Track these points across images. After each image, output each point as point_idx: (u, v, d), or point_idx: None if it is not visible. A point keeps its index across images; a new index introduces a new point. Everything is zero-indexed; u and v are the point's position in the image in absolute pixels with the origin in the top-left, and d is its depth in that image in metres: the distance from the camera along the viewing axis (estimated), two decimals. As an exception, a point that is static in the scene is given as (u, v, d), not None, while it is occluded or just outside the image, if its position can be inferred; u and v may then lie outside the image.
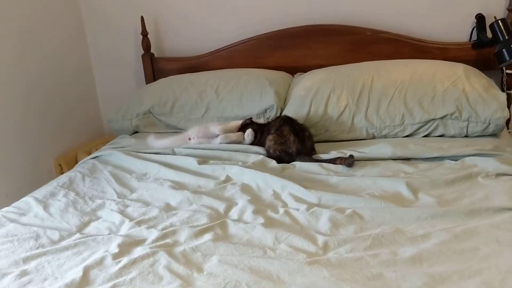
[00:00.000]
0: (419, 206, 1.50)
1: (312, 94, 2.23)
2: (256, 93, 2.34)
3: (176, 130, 2.36)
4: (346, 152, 1.97)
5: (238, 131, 2.16)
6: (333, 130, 2.18)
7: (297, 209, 1.53)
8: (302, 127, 2.06)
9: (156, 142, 2.20)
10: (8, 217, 1.60)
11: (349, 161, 1.85)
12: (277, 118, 2.16)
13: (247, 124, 2.17)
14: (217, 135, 2.14)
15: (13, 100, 2.39)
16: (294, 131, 2.01)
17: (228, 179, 1.82)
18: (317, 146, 2.11)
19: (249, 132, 2.11)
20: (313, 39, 2.55)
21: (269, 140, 2.01)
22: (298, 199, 1.61)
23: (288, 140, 1.98)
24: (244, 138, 2.13)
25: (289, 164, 1.93)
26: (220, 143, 2.12)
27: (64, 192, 1.79)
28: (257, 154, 2.01)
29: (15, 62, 2.41)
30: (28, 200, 1.73)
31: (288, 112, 2.21)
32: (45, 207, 1.67)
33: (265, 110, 2.28)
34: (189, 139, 2.17)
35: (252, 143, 2.11)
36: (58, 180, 1.91)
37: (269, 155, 2.00)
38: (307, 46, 2.56)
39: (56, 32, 2.69)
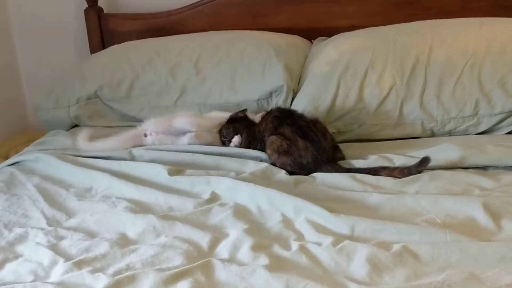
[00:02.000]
0: (503, 240, 1.49)
1: (340, 71, 2.23)
2: (256, 68, 2.34)
3: (135, 123, 2.35)
4: (392, 158, 1.97)
5: (221, 129, 2.13)
6: (371, 125, 2.19)
7: (319, 244, 1.52)
8: (309, 120, 2.03)
9: (90, 143, 2.17)
10: None
11: (418, 169, 1.84)
12: (264, 116, 2.11)
13: (236, 120, 2.14)
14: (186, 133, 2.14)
15: None
16: (300, 131, 1.97)
17: (214, 198, 1.81)
18: (347, 148, 2.11)
19: (236, 140, 2.10)
20: (341, -12, 2.56)
21: (268, 154, 2.00)
22: (320, 229, 1.59)
23: (296, 147, 1.96)
24: (225, 143, 2.11)
25: (305, 176, 1.93)
26: (189, 143, 2.13)
27: (-34, 216, 1.78)
28: (257, 161, 2.01)
29: None
30: None
31: (305, 97, 2.21)
32: None
33: (270, 94, 2.29)
34: (145, 135, 2.17)
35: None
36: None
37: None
38: (332, -1, 2.56)
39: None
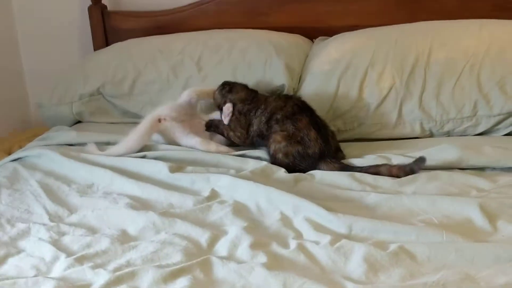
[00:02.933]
0: (499, 241, 1.49)
1: (340, 70, 2.24)
2: (257, 66, 2.34)
3: (138, 119, 2.35)
4: (391, 157, 1.97)
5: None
6: (370, 124, 2.19)
7: (317, 243, 1.52)
8: (323, 120, 2.07)
9: (104, 153, 2.13)
10: None
11: (415, 167, 1.85)
12: (281, 96, 2.14)
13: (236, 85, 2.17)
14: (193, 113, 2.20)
15: None
16: (316, 125, 2.00)
17: (214, 195, 1.81)
18: (346, 147, 2.11)
19: (227, 107, 2.11)
20: (344, -13, 2.56)
21: (276, 140, 2.00)
22: (319, 227, 1.60)
23: (308, 137, 1.97)
24: (218, 106, 2.16)
25: (305, 174, 1.93)
26: (190, 100, 2.19)
27: (-31, 212, 1.78)
28: (257, 160, 2.01)
29: None
30: None
31: (304, 96, 2.20)
32: None
33: (272, 93, 2.28)
34: (159, 120, 2.17)
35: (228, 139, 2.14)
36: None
37: (275, 162, 1.99)
38: (334, -2, 2.56)
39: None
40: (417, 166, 1.87)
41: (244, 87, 2.18)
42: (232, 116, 2.11)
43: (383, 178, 1.86)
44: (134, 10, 2.82)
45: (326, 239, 1.53)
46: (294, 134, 1.99)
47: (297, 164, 1.96)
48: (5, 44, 2.94)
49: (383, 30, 2.41)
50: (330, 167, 1.95)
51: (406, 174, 1.86)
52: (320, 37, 2.56)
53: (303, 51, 2.46)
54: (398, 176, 1.87)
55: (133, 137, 2.13)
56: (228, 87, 2.17)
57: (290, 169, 1.95)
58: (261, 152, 2.07)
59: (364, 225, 1.58)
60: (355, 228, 1.57)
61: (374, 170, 1.90)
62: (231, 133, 2.12)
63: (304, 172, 1.95)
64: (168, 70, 2.43)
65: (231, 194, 1.80)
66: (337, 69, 2.24)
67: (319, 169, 1.97)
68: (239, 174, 1.90)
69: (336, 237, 1.54)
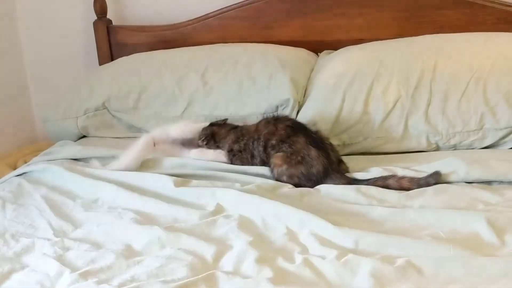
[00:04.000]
0: (507, 255, 1.48)
1: (345, 84, 2.24)
2: (262, 80, 2.34)
3: (142, 133, 2.35)
4: (397, 171, 1.96)
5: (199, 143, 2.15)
6: (376, 138, 2.19)
7: (323, 257, 1.52)
8: (319, 134, 2.05)
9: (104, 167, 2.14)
10: None
11: (431, 180, 1.85)
12: (270, 120, 2.10)
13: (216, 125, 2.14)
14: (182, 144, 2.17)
15: None
16: (313, 142, 1.98)
17: (219, 210, 1.81)
18: (351, 161, 2.10)
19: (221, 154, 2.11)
20: (349, 1, 2.57)
21: (277, 164, 1.99)
22: (325, 242, 1.59)
23: (309, 157, 1.96)
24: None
25: (310, 189, 1.93)
26: (182, 135, 2.17)
27: (-26, 227, 1.79)
28: (262, 178, 2.01)
29: None
30: None
31: (310, 110, 2.21)
32: None
33: (276, 108, 2.29)
34: (154, 144, 2.18)
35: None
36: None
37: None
38: (339, 12, 2.58)
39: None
40: (432, 179, 1.87)
41: (226, 127, 2.15)
42: (233, 157, 2.10)
43: (389, 192, 1.86)
44: (139, 24, 2.84)
45: (332, 253, 1.52)
46: (292, 154, 1.97)
47: (303, 184, 1.96)
48: (10, 58, 2.96)
49: (389, 43, 2.42)
50: (337, 183, 1.94)
51: (420, 187, 1.86)
52: (325, 51, 2.57)
53: (308, 65, 2.47)
54: (410, 189, 1.87)
55: (129, 156, 2.14)
56: (209, 136, 2.13)
57: (296, 187, 1.95)
58: (263, 169, 2.06)
59: (371, 239, 1.57)
60: (362, 243, 1.56)
61: (382, 183, 1.90)
62: None
63: (312, 187, 1.95)
64: (173, 84, 2.43)
65: (237, 208, 1.80)
66: (342, 82, 2.24)
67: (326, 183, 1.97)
68: (244, 188, 1.90)
69: (343, 251, 1.53)
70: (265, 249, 1.58)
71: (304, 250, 1.58)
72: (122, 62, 2.64)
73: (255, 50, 2.52)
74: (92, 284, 1.44)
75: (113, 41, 2.81)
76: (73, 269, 1.52)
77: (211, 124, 2.16)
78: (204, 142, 2.12)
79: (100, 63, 2.82)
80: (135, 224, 1.74)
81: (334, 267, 1.46)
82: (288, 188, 1.92)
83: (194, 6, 2.77)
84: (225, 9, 2.70)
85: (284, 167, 1.98)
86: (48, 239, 1.69)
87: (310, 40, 2.61)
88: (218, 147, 2.12)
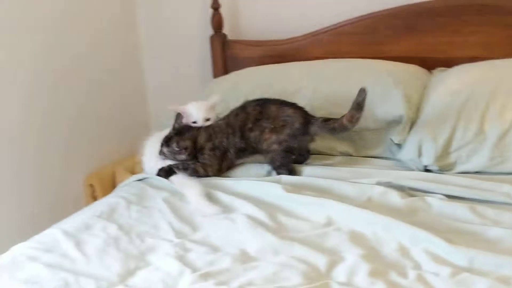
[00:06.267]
0: None
1: (460, 102, 2.21)
2: (375, 96, 2.31)
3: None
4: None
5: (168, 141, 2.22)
6: (489, 157, 2.13)
7: (437, 274, 1.51)
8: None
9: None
10: (28, 255, 1.72)
11: (358, 101, 2.01)
12: (234, 111, 2.24)
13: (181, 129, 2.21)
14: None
15: (33, 100, 2.54)
16: (283, 103, 2.17)
17: (329, 222, 1.83)
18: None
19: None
20: (464, 19, 2.54)
21: (266, 139, 2.12)
22: (438, 259, 1.58)
23: (287, 116, 2.14)
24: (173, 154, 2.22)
25: (421, 204, 1.90)
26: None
27: (103, 224, 1.88)
28: (372, 185, 2.01)
29: (41, 55, 2.56)
30: (53, 233, 1.84)
31: (423, 127, 2.21)
32: (78, 244, 1.76)
33: (388, 124, 2.29)
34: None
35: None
36: (94, 208, 2.02)
37: (272, 157, 2.13)
38: (453, 29, 2.55)
39: (99, 7, 2.84)
40: (360, 98, 2.04)
41: (189, 132, 2.22)
42: (203, 155, 2.19)
43: (504, 212, 1.81)
44: (253, 39, 2.91)
45: (446, 271, 1.51)
46: (273, 123, 2.12)
47: (291, 145, 2.07)
48: (132, 70, 3.12)
49: (505, 62, 2.36)
50: (322, 129, 2.14)
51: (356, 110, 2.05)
52: (439, 68, 2.54)
53: (421, 82, 2.44)
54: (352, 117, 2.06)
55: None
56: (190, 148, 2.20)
57: (286, 157, 2.09)
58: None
59: (486, 259, 1.54)
60: (477, 262, 1.54)
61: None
62: (209, 168, 2.19)
63: (299, 151, 2.16)
64: (284, 98, 2.45)
65: (346, 221, 1.81)
66: (457, 101, 2.21)
67: (314, 135, 2.17)
68: (353, 202, 1.91)
69: (456, 269, 1.52)
70: (377, 262, 1.59)
71: (417, 266, 1.57)
72: (235, 76, 2.70)
73: (366, 65, 2.53)
74: (212, 285, 1.50)
75: (228, 55, 2.89)
76: (194, 269, 1.59)
77: (174, 129, 2.23)
78: (187, 153, 2.18)
79: (214, 76, 2.91)
80: (250, 230, 1.79)
81: (448, 285, 1.45)
82: (399, 202, 1.91)
83: (305, 21, 2.80)
84: (336, 25, 2.72)
85: (274, 137, 2.11)
86: (170, 240, 1.77)
87: (422, 57, 2.59)
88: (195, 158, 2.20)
